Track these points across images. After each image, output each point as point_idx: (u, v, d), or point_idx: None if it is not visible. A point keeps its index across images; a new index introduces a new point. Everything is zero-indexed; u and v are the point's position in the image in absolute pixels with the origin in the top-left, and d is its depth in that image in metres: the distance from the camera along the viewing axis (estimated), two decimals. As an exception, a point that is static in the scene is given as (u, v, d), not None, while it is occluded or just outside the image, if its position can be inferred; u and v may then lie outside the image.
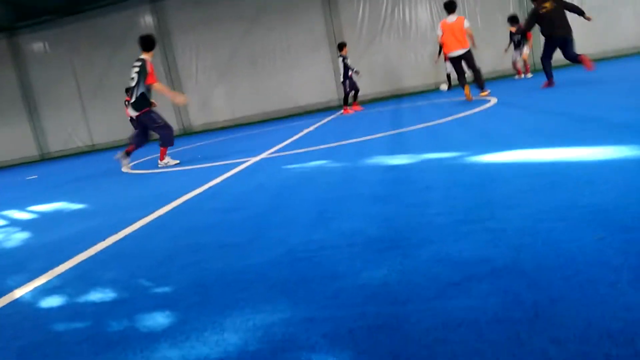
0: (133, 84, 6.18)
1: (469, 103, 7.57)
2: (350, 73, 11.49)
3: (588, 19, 7.57)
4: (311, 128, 8.74)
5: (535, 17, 7.73)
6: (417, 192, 2.46)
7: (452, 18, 8.25)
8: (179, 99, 7.20)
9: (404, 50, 16.43)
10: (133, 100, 6.20)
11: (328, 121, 10.09)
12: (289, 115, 16.96)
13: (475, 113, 5.95)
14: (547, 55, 7.76)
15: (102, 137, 18.08)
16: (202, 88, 17.21)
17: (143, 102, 6.18)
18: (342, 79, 11.54)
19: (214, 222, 2.63)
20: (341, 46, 11.55)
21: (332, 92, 16.86)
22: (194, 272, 1.83)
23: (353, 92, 11.86)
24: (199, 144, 10.39)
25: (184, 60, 17.16)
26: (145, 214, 3.15)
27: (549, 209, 1.79)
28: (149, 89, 6.20)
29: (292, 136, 7.61)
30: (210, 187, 3.86)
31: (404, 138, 4.88)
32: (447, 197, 2.24)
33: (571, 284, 1.19)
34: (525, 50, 11.99)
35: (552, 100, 5.87)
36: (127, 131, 12.54)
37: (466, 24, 8.16)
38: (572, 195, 1.90)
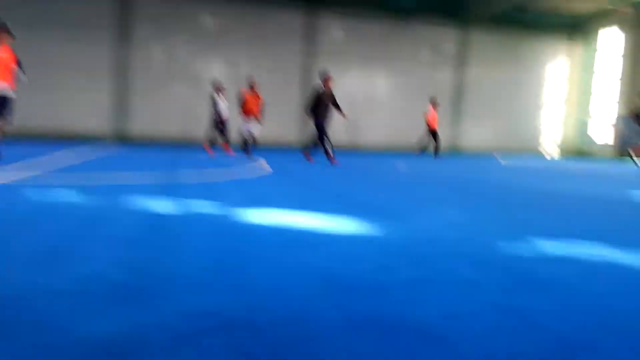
0: None
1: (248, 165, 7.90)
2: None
3: (343, 116, 9.97)
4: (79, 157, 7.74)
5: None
6: (172, 239, 2.36)
7: None
8: None
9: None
10: None
11: (103, 153, 9.14)
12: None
13: (249, 177, 6.22)
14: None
15: None
16: None
17: None
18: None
19: None
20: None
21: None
22: None
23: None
24: None
25: None
26: None
27: (290, 267, 1.93)
28: None
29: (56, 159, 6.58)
30: None
31: (177, 187, 4.74)
32: (200, 248, 2.21)
33: (297, 337, 1.27)
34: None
35: (319, 176, 6.60)
36: None
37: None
38: (311, 257, 2.10)
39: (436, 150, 14.40)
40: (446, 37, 20.12)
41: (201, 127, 15.99)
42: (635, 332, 1.41)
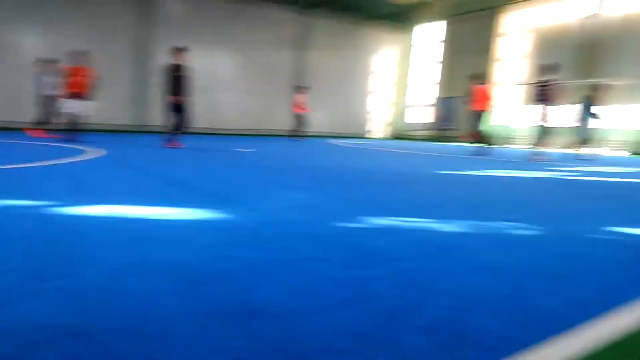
0: None
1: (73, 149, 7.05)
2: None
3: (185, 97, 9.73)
4: None
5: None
6: (-20, 244, 1.99)
7: None
8: None
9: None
10: None
11: None
12: None
13: (76, 162, 5.57)
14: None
15: None
16: None
17: None
18: None
19: None
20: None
21: None
22: None
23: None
24: None
25: None
26: None
27: (127, 264, 1.79)
28: None
29: None
30: None
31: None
32: (21, 253, 1.90)
33: (138, 340, 1.18)
34: None
35: (161, 162, 6.20)
36: None
37: None
38: (151, 251, 1.98)
39: (298, 134, 14.89)
40: (287, 20, 20.51)
41: (21, 108, 13.75)
42: (450, 290, 1.65)
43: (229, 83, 19.04)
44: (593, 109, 11.30)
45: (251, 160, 7.00)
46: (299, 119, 14.73)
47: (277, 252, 2.06)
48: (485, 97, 10.41)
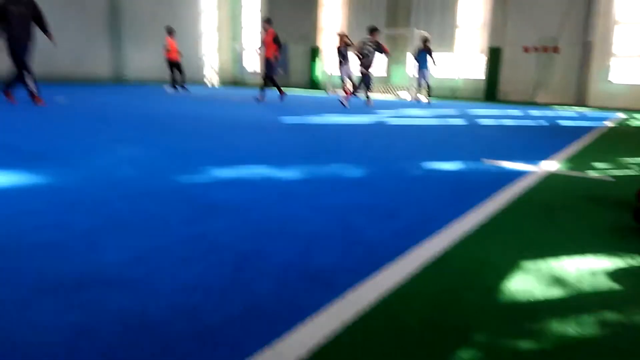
0: None
1: None
2: None
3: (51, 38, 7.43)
4: None
5: None
6: None
7: None
8: None
9: None
10: None
11: None
12: None
13: None
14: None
15: None
16: None
17: None
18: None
19: None
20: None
21: None
22: None
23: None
24: None
25: None
26: None
27: None
28: None
29: None
30: None
31: None
32: None
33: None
34: None
35: None
36: None
37: None
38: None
39: (180, 83, 13.26)
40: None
41: None
42: (291, 233, 1.74)
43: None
44: (428, 58, 12.72)
45: (72, 113, 6.14)
46: (175, 65, 13.16)
47: (115, 215, 1.89)
48: (270, 45, 10.30)
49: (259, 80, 22.56)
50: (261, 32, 10.36)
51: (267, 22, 10.56)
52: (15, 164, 2.81)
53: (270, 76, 10.50)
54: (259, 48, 11.13)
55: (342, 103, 9.54)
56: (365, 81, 10.44)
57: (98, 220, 1.81)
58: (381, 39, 10.80)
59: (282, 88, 10.73)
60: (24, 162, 2.88)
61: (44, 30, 7.09)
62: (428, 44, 12.95)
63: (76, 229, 1.70)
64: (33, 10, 6.90)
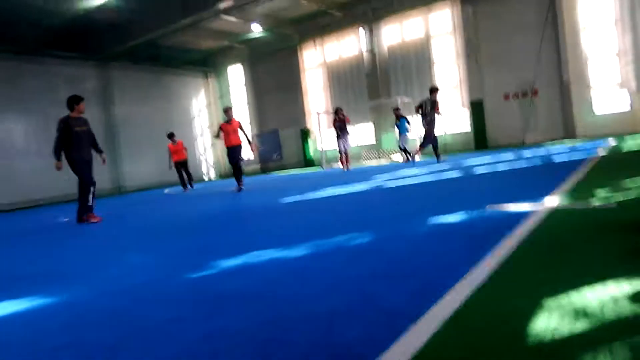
0: None
1: None
2: None
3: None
4: None
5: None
6: None
7: None
8: None
9: None
10: None
11: None
12: None
13: None
14: None
15: None
16: None
17: None
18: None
19: None
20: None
21: None
22: None
23: None
24: None
25: None
26: None
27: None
28: None
29: None
30: None
31: None
32: None
33: None
34: None
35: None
36: None
37: None
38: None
39: (189, 182, 13.99)
40: (86, 74, 19.07)
41: None
42: (309, 311, 1.73)
43: (19, 147, 16.71)
44: (406, 124, 13.70)
45: (80, 230, 6.24)
46: (182, 165, 13.79)
47: (128, 324, 1.89)
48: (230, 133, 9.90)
49: (253, 168, 23.28)
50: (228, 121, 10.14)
51: (227, 111, 10.18)
52: (23, 286, 2.82)
53: (236, 163, 10.08)
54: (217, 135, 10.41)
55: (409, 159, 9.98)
56: (428, 141, 11.04)
57: (116, 332, 1.80)
58: (438, 98, 11.17)
59: (241, 181, 10.12)
60: (33, 284, 2.89)
61: (97, 148, 7.02)
62: (398, 112, 14.05)
63: (95, 344, 1.69)
64: (89, 128, 6.92)
